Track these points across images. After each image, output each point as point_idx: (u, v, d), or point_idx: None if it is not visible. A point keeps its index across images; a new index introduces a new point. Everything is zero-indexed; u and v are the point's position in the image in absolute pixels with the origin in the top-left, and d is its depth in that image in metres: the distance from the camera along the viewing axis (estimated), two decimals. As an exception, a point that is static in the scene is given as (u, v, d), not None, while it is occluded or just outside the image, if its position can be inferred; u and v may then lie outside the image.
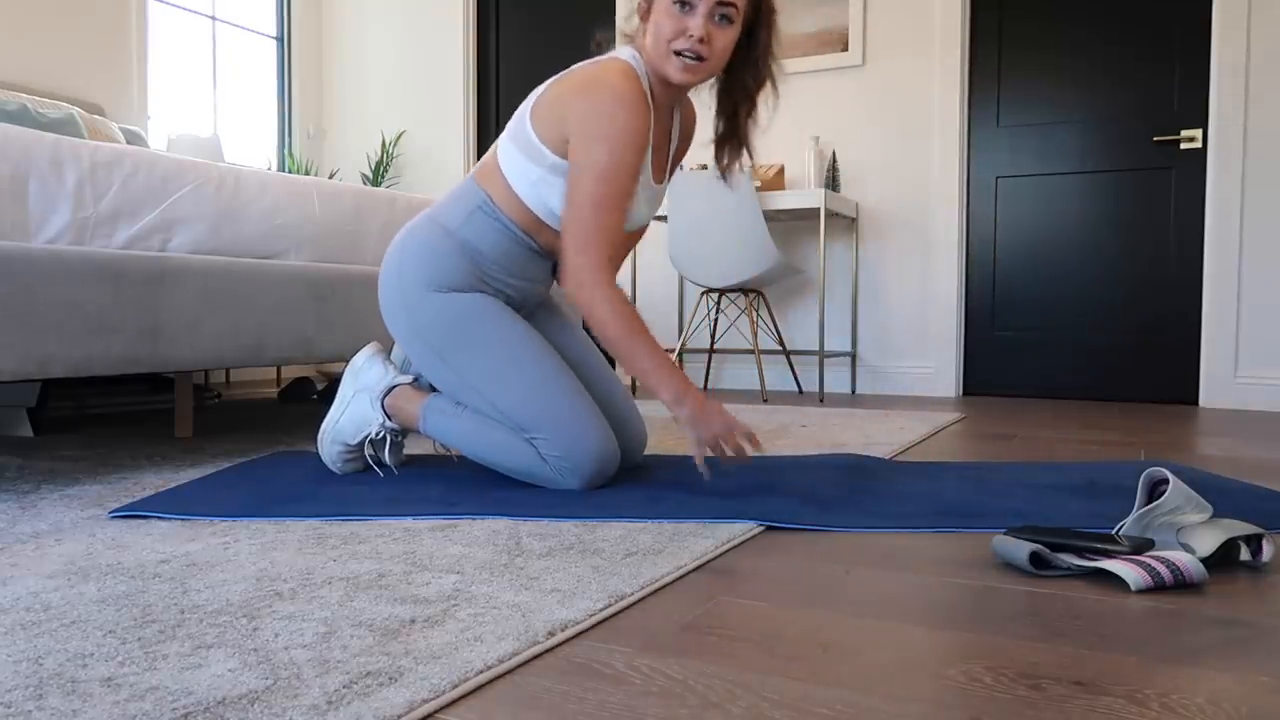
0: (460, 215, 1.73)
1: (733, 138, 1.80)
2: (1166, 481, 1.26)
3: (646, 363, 1.62)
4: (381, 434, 1.81)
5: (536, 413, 1.64)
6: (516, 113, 1.75)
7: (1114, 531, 1.29)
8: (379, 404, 1.80)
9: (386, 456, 1.84)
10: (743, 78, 1.73)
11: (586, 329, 2.09)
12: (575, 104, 1.63)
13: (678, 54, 1.62)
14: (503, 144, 1.74)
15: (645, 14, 1.68)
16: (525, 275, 1.79)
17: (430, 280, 1.71)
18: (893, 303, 4.14)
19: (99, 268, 1.82)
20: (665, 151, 1.82)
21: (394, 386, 1.82)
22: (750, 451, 1.60)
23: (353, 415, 1.82)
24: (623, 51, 1.71)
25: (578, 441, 1.63)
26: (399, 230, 1.82)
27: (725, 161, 1.82)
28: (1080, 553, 1.20)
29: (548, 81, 1.73)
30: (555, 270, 1.83)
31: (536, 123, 1.68)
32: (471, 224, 1.72)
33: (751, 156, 1.83)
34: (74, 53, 4.14)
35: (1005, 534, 1.24)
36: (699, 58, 1.61)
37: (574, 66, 1.71)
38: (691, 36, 1.59)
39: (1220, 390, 3.59)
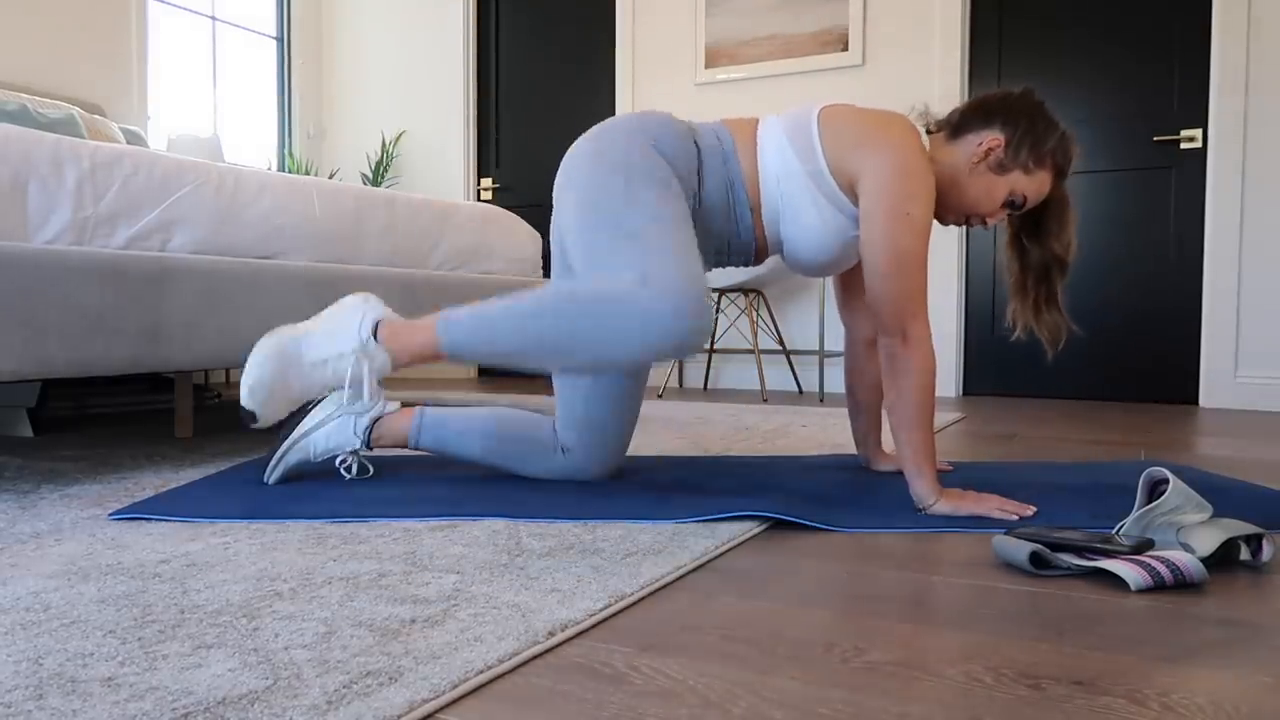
0: (708, 134, 1.64)
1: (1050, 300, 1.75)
2: (1166, 481, 1.26)
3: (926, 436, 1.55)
4: (351, 363, 1.59)
5: (681, 249, 1.47)
6: (802, 108, 1.66)
7: (1114, 531, 1.29)
8: (369, 330, 1.58)
9: (348, 468, 1.75)
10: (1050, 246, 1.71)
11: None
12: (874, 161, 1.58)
13: (980, 219, 1.72)
14: (770, 122, 1.65)
15: (1001, 156, 1.62)
16: (714, 245, 1.69)
17: (658, 142, 1.58)
18: (893, 303, 4.13)
19: (99, 268, 1.82)
20: None
21: (388, 320, 1.61)
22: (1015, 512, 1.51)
23: (327, 331, 1.61)
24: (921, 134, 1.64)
25: (695, 290, 1.45)
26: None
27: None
28: (1080, 553, 1.20)
29: (836, 101, 1.66)
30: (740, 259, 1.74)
31: (825, 132, 1.61)
32: (708, 153, 1.63)
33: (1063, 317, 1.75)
34: (74, 53, 4.14)
35: (1005, 534, 1.24)
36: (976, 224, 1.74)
37: (866, 110, 1.64)
38: (989, 220, 1.71)
39: (1220, 390, 3.59)
